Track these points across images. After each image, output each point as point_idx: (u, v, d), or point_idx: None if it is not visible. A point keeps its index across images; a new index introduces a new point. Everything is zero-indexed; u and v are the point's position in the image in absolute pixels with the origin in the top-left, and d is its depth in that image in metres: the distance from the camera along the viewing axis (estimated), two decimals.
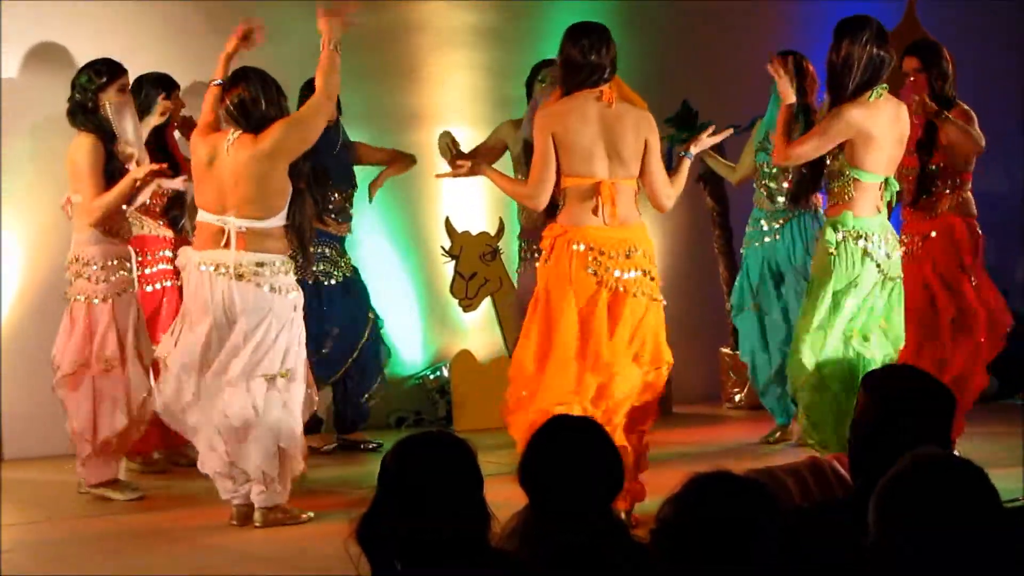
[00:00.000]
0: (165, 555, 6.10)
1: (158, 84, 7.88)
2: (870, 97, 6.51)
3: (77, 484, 7.28)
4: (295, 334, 6.52)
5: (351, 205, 8.47)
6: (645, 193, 6.36)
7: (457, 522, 3.21)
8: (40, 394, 7.89)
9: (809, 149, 6.56)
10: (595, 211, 6.16)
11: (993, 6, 11.18)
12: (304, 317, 6.65)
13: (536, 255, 8.33)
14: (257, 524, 6.46)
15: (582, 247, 6.15)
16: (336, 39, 6.54)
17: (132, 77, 7.48)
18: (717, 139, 6.71)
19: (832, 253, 6.60)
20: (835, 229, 6.61)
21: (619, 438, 6.10)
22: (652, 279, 6.24)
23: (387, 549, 3.23)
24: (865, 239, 6.54)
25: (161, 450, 8.00)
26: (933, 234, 7.49)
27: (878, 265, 6.56)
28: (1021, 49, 11.34)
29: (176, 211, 7.97)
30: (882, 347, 6.62)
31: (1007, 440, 8.18)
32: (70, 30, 8.47)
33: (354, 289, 8.52)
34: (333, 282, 8.40)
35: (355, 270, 8.54)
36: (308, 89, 8.27)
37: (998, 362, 10.17)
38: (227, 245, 6.41)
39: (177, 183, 7.49)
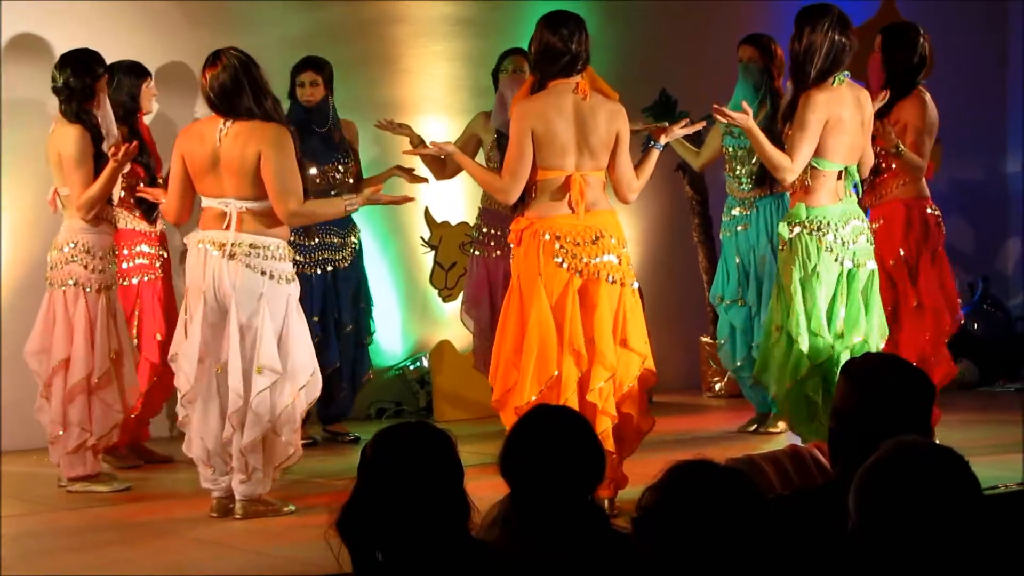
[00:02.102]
0: (146, 548, 6.08)
1: (134, 72, 7.80)
2: (832, 83, 6.53)
3: (57, 478, 7.25)
4: (293, 327, 6.46)
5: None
6: (610, 184, 6.36)
7: (437, 512, 3.21)
8: (19, 387, 7.86)
9: (806, 150, 6.51)
10: (566, 204, 6.16)
11: None
12: (313, 305, 6.55)
13: (492, 241, 8.35)
14: (238, 516, 6.44)
15: (548, 236, 6.15)
16: (357, 205, 6.61)
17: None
18: (689, 131, 6.70)
19: (783, 249, 6.63)
20: (788, 224, 6.63)
21: (603, 424, 6.11)
22: (622, 263, 6.23)
23: (367, 540, 3.23)
24: (820, 230, 6.53)
25: (127, 445, 7.94)
26: (881, 221, 7.45)
27: (836, 256, 6.53)
28: (1001, 41, 11.37)
29: (149, 201, 7.85)
30: (864, 341, 6.59)
31: (986, 428, 8.21)
32: (48, 21, 8.43)
33: (353, 277, 8.47)
34: (340, 266, 8.37)
35: (358, 253, 8.50)
36: (301, 69, 8.26)
37: (979, 350, 10.24)
38: (228, 226, 6.38)
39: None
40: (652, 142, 6.53)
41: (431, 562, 3.20)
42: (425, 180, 7.91)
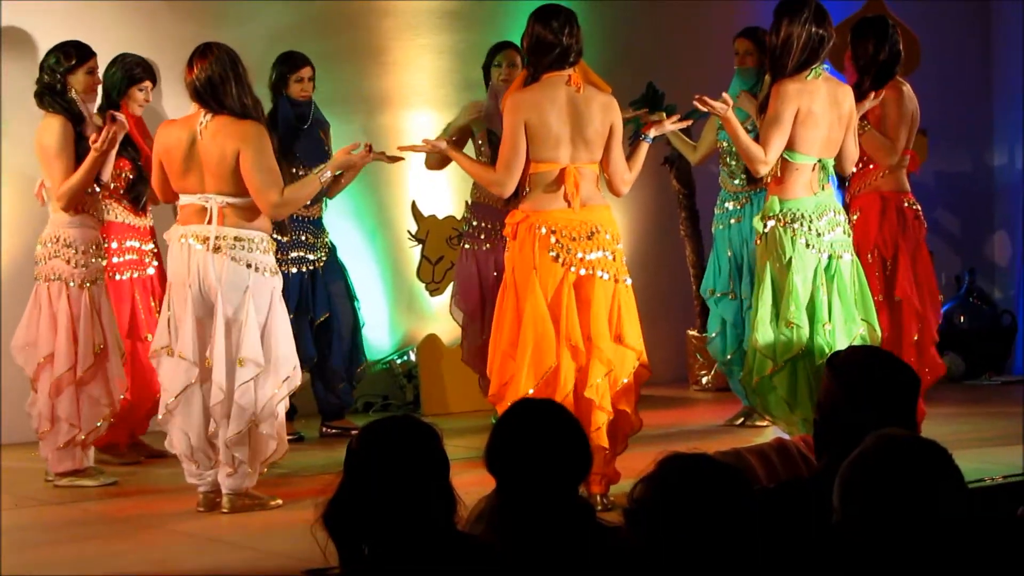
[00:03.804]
0: (132, 541, 6.09)
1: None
2: (807, 76, 6.52)
3: (44, 472, 7.25)
4: (276, 319, 6.45)
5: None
6: (603, 177, 6.36)
7: (423, 506, 3.21)
8: (13, 382, 7.85)
9: (778, 142, 6.50)
10: (562, 197, 6.16)
11: None
12: (289, 302, 6.58)
13: (482, 234, 8.33)
14: (225, 510, 6.43)
15: (544, 230, 6.16)
16: (329, 170, 6.63)
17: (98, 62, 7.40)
18: (678, 126, 6.71)
19: (759, 243, 6.63)
20: (762, 217, 6.63)
21: (600, 420, 6.11)
22: (616, 259, 6.24)
23: (354, 534, 3.24)
24: (795, 221, 6.52)
25: (128, 442, 7.91)
26: (859, 212, 7.44)
27: (812, 247, 6.52)
28: (985, 35, 11.38)
29: (138, 189, 7.79)
30: (847, 332, 6.58)
31: (972, 421, 8.23)
32: (41, 15, 8.42)
33: (334, 272, 8.45)
34: (312, 267, 8.35)
35: (332, 250, 8.48)
36: (301, 64, 8.24)
37: (965, 343, 10.25)
38: (210, 221, 6.37)
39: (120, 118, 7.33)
40: (642, 135, 6.54)
41: (417, 556, 3.20)
42: (402, 159, 7.88)
